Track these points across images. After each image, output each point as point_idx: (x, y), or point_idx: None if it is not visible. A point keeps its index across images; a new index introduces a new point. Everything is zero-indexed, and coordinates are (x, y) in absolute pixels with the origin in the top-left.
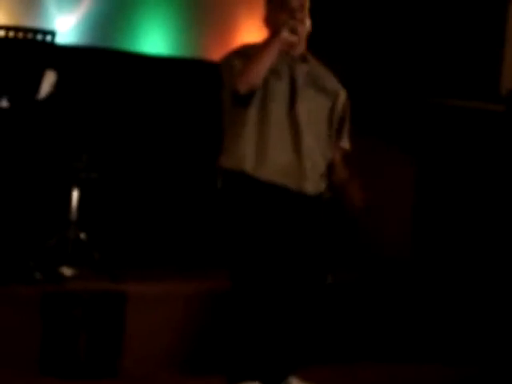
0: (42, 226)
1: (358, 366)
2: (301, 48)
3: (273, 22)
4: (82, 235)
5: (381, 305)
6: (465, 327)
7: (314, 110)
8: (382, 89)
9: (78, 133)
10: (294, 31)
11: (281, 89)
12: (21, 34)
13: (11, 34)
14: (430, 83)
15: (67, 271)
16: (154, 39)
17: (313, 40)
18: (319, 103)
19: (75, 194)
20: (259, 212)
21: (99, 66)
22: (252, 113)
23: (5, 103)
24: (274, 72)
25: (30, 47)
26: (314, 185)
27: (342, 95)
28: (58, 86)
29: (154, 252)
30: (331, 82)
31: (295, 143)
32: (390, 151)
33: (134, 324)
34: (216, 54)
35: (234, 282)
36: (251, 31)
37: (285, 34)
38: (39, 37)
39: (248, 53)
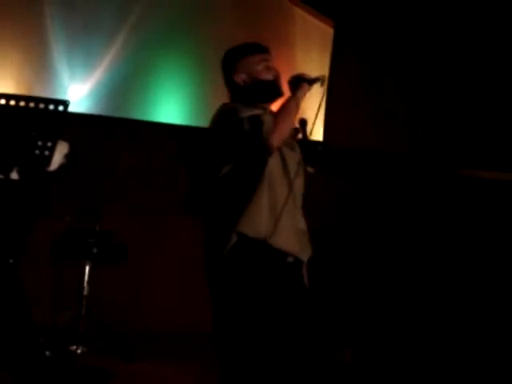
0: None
1: None
2: None
3: (253, 81)
4: (95, 311)
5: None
6: None
7: (293, 164)
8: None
9: (91, 203)
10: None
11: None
12: (32, 104)
13: (22, 103)
14: (460, 154)
15: (78, 349)
16: (167, 108)
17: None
18: (295, 157)
19: (87, 269)
20: (268, 280)
21: (112, 134)
22: (264, 174)
23: (15, 175)
24: None
25: (42, 117)
26: (308, 251)
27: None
28: (69, 156)
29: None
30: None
31: (294, 207)
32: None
33: None
34: None
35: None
36: None
37: (307, 87)
38: (51, 106)
39: (252, 107)
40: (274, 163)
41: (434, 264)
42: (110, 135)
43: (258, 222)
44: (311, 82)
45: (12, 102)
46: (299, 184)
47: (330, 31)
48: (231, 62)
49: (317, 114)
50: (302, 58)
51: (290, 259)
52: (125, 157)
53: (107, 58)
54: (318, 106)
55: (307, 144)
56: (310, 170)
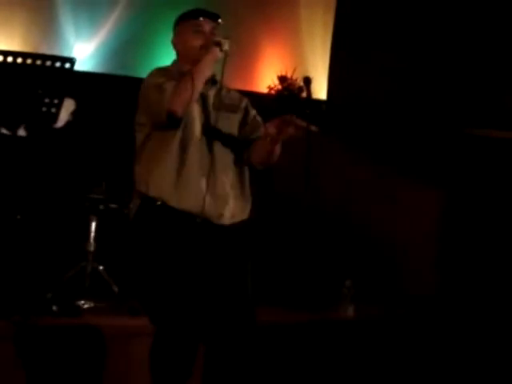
0: (60, 257)
1: None
2: (212, 70)
3: (184, 45)
4: (100, 268)
5: (402, 342)
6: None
7: (225, 128)
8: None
9: (96, 161)
10: (221, 48)
11: (197, 111)
12: (39, 61)
13: (29, 60)
14: (462, 113)
15: (85, 304)
16: None
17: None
18: (230, 121)
19: (93, 225)
20: (176, 241)
21: (117, 93)
22: (176, 135)
23: (22, 132)
24: None
25: (49, 74)
26: (231, 213)
27: (247, 102)
28: (75, 114)
29: None
30: (235, 96)
31: (212, 171)
32: (415, 185)
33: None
34: (237, 83)
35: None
36: (273, 60)
37: (217, 51)
38: (58, 64)
39: (172, 74)
40: (190, 126)
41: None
42: (114, 93)
43: (159, 182)
44: (216, 44)
45: (19, 60)
46: (223, 149)
47: None
48: (174, 24)
49: (221, 79)
50: (305, 17)
51: (198, 220)
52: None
53: (113, 17)
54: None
55: (311, 102)
56: (313, 128)
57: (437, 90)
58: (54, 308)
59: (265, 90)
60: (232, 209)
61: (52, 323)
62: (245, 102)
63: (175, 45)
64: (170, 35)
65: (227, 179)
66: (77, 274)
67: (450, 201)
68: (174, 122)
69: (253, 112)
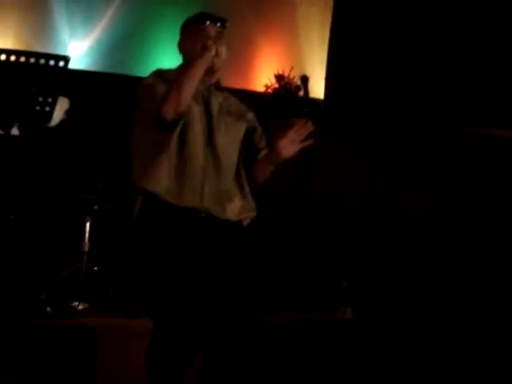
0: (55, 258)
1: None
2: (216, 76)
3: (189, 49)
4: (95, 268)
5: (399, 343)
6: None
7: (229, 135)
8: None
9: (90, 161)
10: (216, 53)
11: (198, 114)
12: (32, 59)
13: (22, 58)
14: (462, 112)
15: (79, 305)
16: (167, 65)
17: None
18: (235, 127)
19: (88, 225)
20: (182, 238)
21: (112, 91)
22: (175, 137)
23: (16, 130)
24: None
25: (43, 73)
26: (238, 209)
27: (253, 116)
28: (70, 112)
29: None
30: (242, 106)
31: (215, 170)
32: (413, 184)
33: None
34: (233, 82)
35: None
36: (270, 58)
37: (209, 55)
38: (52, 62)
39: (168, 77)
40: (191, 128)
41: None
42: (109, 92)
43: (159, 181)
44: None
45: (12, 58)
46: (226, 153)
47: None
48: (180, 27)
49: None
50: (303, 15)
51: (202, 215)
52: (124, 113)
53: (107, 15)
54: None
55: (308, 101)
56: (310, 127)
57: (436, 88)
58: (49, 309)
59: (262, 89)
60: (238, 206)
61: (47, 324)
62: (251, 114)
63: (180, 48)
64: (165, 32)
65: (229, 179)
66: (71, 275)
67: (450, 200)
68: (165, 125)
69: (259, 129)
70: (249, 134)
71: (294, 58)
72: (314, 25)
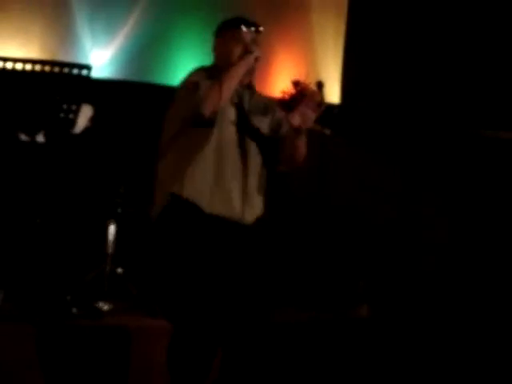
0: (80, 260)
1: None
2: (251, 77)
3: (224, 52)
4: (119, 270)
5: (415, 341)
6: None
7: (258, 131)
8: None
9: (114, 167)
10: (256, 58)
11: (232, 114)
12: (56, 68)
13: (47, 68)
14: (467, 114)
15: (104, 306)
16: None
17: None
18: (263, 124)
19: (112, 228)
20: (204, 242)
21: (135, 99)
22: (212, 137)
23: (41, 138)
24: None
25: (66, 81)
26: (256, 213)
27: (274, 103)
28: (94, 120)
29: None
30: (266, 99)
31: (243, 171)
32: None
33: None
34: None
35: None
36: (286, 64)
37: (251, 59)
38: (75, 71)
39: (211, 74)
40: (226, 128)
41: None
42: (132, 100)
43: (196, 185)
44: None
45: (37, 67)
46: (255, 152)
47: None
48: (216, 31)
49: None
50: (317, 21)
51: (227, 220)
52: (148, 120)
53: (129, 23)
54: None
55: (324, 106)
56: (326, 131)
57: (450, 93)
58: (74, 310)
59: (278, 95)
60: (256, 209)
61: (72, 325)
62: (273, 103)
63: (215, 52)
64: (187, 39)
65: (255, 181)
66: (96, 277)
67: (461, 202)
68: (202, 122)
69: (278, 110)
70: (271, 124)
71: (309, 63)
72: (328, 30)
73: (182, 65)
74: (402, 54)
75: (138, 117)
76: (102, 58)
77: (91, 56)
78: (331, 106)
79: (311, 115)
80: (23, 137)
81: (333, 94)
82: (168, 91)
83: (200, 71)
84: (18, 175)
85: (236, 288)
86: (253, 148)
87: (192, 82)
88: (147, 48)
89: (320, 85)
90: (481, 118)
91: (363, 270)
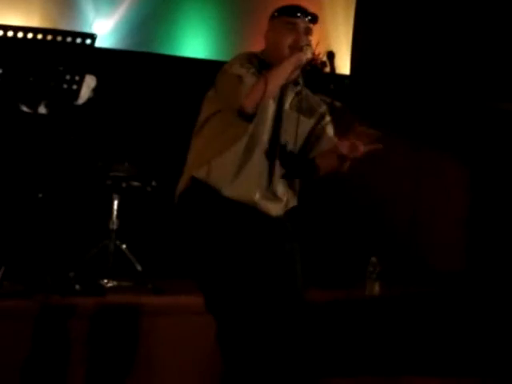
0: (83, 236)
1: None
2: (296, 74)
3: (276, 39)
4: (123, 246)
5: (428, 318)
6: None
7: (296, 132)
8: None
9: (118, 139)
10: (308, 57)
11: (271, 112)
12: (59, 37)
13: (49, 36)
14: (484, 87)
15: (108, 283)
16: (193, 43)
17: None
18: (303, 125)
19: (116, 203)
20: (232, 229)
21: (138, 69)
22: (247, 131)
23: (43, 109)
24: None
25: (69, 51)
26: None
27: (325, 109)
28: (97, 90)
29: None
30: (314, 100)
31: (270, 170)
32: (441, 161)
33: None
34: None
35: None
36: None
37: (303, 59)
38: (78, 40)
39: (255, 66)
40: (262, 124)
41: None
42: (135, 70)
43: (219, 173)
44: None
45: (39, 36)
46: (288, 148)
47: None
48: (270, 16)
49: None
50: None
51: (250, 211)
52: (151, 91)
53: None
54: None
55: (334, 77)
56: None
57: (463, 64)
58: (77, 287)
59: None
60: (281, 205)
61: (75, 302)
62: (323, 108)
63: (267, 37)
64: (191, 9)
65: (283, 181)
66: (99, 253)
67: (478, 176)
68: (243, 115)
69: (327, 119)
70: (313, 129)
71: (319, 33)
72: (338, 1)
73: (185, 35)
74: (413, 25)
75: (141, 87)
76: (104, 27)
77: (93, 26)
78: (342, 77)
79: (360, 147)
80: (25, 108)
81: (343, 66)
82: (171, 61)
83: (246, 59)
84: (20, 148)
85: (267, 272)
86: (285, 146)
87: (237, 76)
88: (150, 18)
89: (330, 55)
90: (495, 91)
91: (374, 246)
